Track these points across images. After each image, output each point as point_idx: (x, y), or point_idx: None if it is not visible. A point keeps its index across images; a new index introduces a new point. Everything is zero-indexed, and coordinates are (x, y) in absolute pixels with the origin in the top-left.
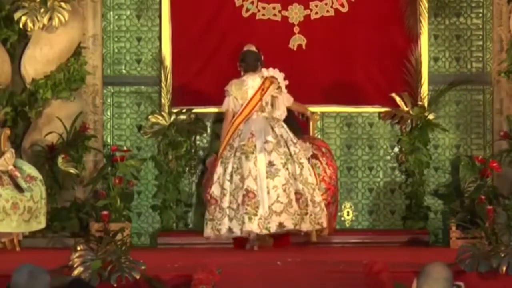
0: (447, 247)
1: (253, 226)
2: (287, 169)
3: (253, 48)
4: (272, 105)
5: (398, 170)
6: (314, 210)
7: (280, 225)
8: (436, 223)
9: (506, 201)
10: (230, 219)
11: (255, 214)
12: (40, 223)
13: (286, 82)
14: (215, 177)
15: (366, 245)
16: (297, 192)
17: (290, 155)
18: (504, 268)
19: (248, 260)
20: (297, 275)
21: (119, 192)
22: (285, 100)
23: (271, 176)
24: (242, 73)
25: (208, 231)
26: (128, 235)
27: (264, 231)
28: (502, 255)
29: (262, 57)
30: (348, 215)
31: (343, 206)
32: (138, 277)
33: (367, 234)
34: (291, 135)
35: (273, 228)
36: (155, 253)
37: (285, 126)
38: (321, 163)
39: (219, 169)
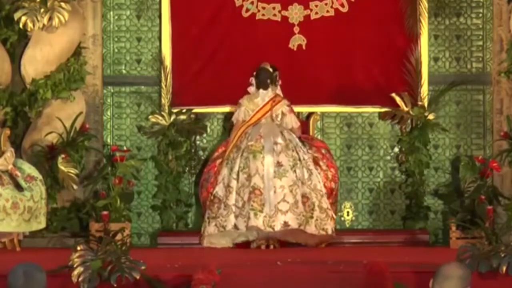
0: (447, 247)
1: (259, 222)
2: (295, 171)
3: (268, 67)
4: (281, 121)
5: (398, 170)
6: (320, 216)
7: (285, 223)
8: (436, 223)
9: (506, 201)
10: (236, 216)
11: (261, 211)
12: (40, 223)
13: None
14: (220, 178)
15: (366, 245)
16: (304, 196)
17: (299, 159)
18: (504, 268)
19: (248, 260)
20: (297, 275)
21: (119, 192)
22: (293, 121)
23: (278, 176)
24: (253, 88)
25: (211, 229)
26: (128, 235)
27: (268, 229)
28: (502, 255)
29: (278, 75)
30: (348, 215)
31: (343, 206)
32: (138, 277)
33: (367, 234)
34: (300, 143)
35: (278, 227)
36: (155, 253)
37: (294, 135)
38: (321, 169)
39: (224, 171)
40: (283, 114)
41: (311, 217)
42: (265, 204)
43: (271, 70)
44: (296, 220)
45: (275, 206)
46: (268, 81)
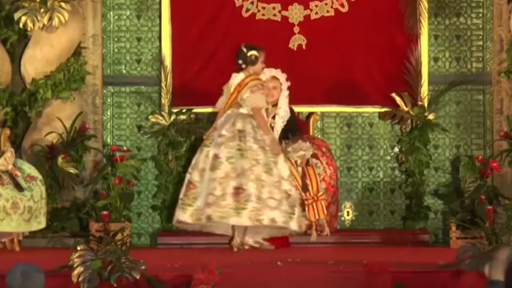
0: (447, 247)
1: (185, 217)
2: (232, 163)
3: (242, 47)
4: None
5: (398, 170)
6: (257, 206)
7: (209, 217)
8: (436, 223)
9: (506, 201)
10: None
11: (190, 205)
12: (40, 223)
13: (289, 83)
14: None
15: (366, 245)
16: (239, 187)
17: (245, 150)
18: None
19: (248, 260)
20: (297, 275)
21: (119, 192)
22: (252, 102)
23: (211, 168)
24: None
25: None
26: (128, 235)
27: (197, 222)
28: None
29: (256, 55)
30: (348, 215)
31: (343, 206)
32: (138, 277)
33: (367, 234)
34: (254, 132)
35: (203, 220)
36: (155, 253)
37: (251, 121)
38: (322, 163)
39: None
40: (247, 97)
41: (244, 209)
42: (198, 198)
43: (245, 50)
44: (218, 213)
45: (205, 199)
46: (240, 61)
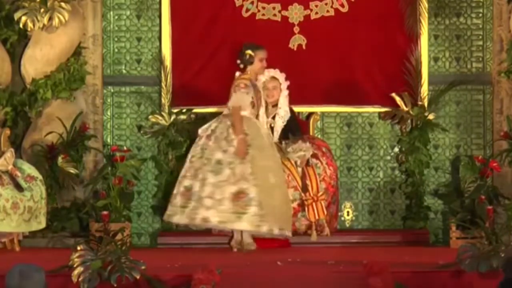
0: (447, 247)
1: (183, 218)
2: (191, 162)
3: (243, 46)
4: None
5: (398, 170)
6: (259, 212)
7: (204, 219)
8: (436, 223)
9: (506, 201)
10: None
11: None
12: (40, 223)
13: (288, 83)
14: None
15: (366, 245)
16: (189, 188)
17: (206, 149)
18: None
19: (248, 260)
20: (297, 275)
21: (119, 192)
22: (232, 101)
23: (215, 172)
24: None
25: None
26: (128, 235)
27: (191, 222)
28: (502, 255)
29: (251, 53)
30: (348, 215)
31: (343, 206)
32: (138, 277)
33: (367, 234)
34: (228, 132)
35: (197, 221)
36: (155, 253)
37: (228, 123)
38: (322, 163)
39: None
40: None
41: (244, 213)
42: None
43: (242, 49)
44: (184, 217)
45: (199, 201)
46: (238, 61)
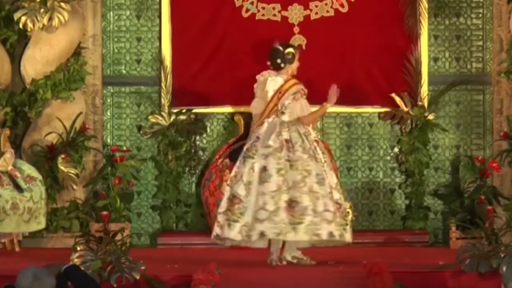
0: (447, 247)
1: (232, 233)
2: (282, 175)
3: (277, 45)
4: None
5: (398, 170)
6: (314, 220)
7: (261, 234)
8: (436, 223)
9: (506, 201)
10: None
11: (237, 221)
12: (40, 223)
13: None
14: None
15: (366, 245)
16: (292, 201)
17: (295, 160)
18: (504, 268)
19: (248, 260)
20: (297, 275)
21: (119, 192)
22: (298, 109)
23: (260, 181)
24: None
25: (233, 233)
26: (128, 235)
27: (246, 239)
28: (502, 255)
29: (293, 54)
30: (348, 215)
31: None
32: (138, 277)
33: (367, 234)
34: (309, 139)
35: (254, 237)
36: (155, 253)
37: (299, 128)
38: None
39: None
40: (289, 104)
41: (300, 223)
42: (244, 213)
43: (281, 48)
44: (273, 230)
45: (253, 215)
46: (278, 60)
